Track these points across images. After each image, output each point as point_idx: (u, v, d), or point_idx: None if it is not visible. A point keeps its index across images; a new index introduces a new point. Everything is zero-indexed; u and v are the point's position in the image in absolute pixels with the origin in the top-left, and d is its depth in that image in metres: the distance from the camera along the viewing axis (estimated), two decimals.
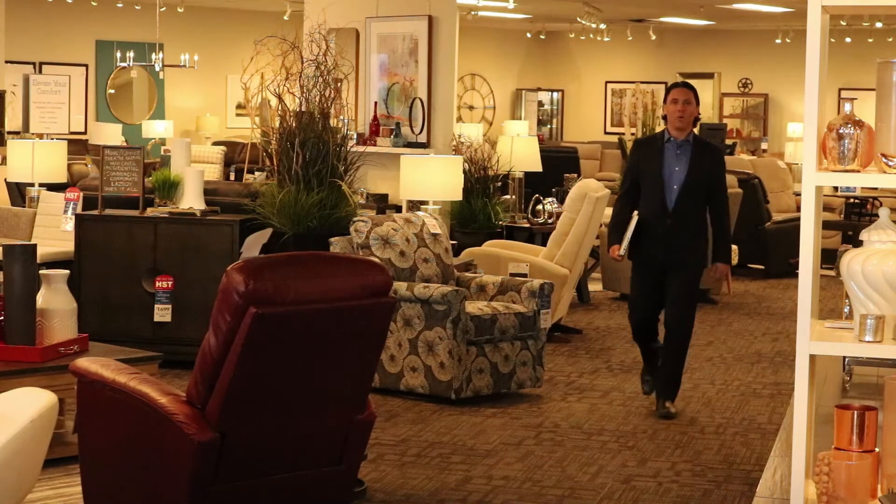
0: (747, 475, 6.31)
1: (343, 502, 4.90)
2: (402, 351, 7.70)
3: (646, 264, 7.40)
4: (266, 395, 4.47)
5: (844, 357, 8.02)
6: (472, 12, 18.82)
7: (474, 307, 7.74)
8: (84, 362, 4.89)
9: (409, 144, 11.55)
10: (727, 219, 7.45)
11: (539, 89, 24.39)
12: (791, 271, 13.41)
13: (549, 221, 11.01)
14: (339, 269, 4.65)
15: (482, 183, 11.09)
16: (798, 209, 14.28)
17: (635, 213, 7.31)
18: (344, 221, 8.21)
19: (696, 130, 7.56)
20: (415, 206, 9.50)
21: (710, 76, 23.00)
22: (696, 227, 7.37)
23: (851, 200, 15.78)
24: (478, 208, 11.04)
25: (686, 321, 7.39)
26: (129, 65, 17.08)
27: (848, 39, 20.24)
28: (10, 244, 6.08)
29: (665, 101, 7.43)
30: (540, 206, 11.27)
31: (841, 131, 3.48)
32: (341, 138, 8.44)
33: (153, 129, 18.06)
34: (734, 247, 12.23)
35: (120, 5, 18.44)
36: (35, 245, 6.26)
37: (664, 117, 7.41)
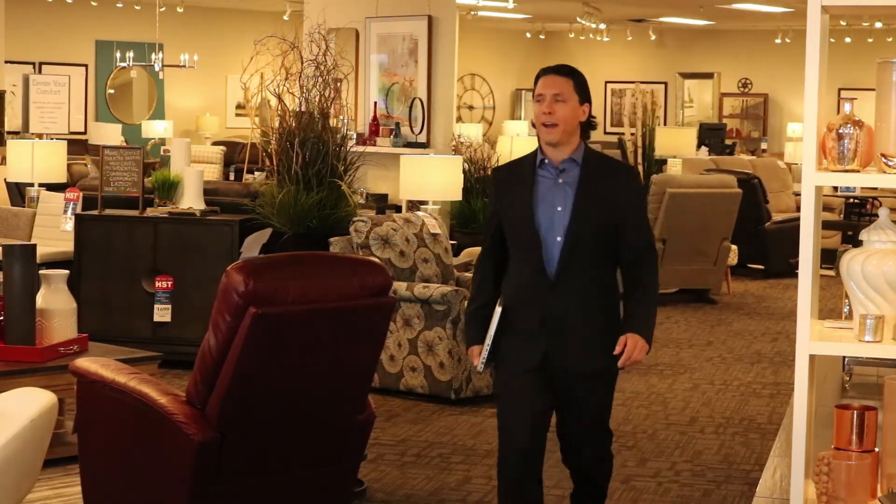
0: (747, 475, 6.31)
1: (343, 502, 4.90)
2: (402, 351, 7.70)
3: (517, 372, 4.50)
4: (266, 395, 4.47)
5: (844, 357, 8.02)
6: (472, 12, 18.82)
7: None
8: (84, 362, 4.89)
9: (409, 144, 11.55)
10: (652, 273, 4.55)
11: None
12: (791, 271, 13.41)
13: None
14: (339, 269, 4.65)
15: (482, 183, 11.09)
16: (798, 209, 14.29)
17: (498, 305, 4.50)
18: (344, 221, 8.21)
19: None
20: (414, 206, 9.50)
21: (709, 76, 23.00)
22: (600, 300, 4.49)
23: (851, 200, 15.79)
24: (478, 208, 11.05)
25: (601, 464, 4.71)
26: (128, 65, 17.09)
27: (848, 39, 20.24)
28: (10, 244, 6.09)
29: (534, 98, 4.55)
30: None
31: (841, 131, 3.48)
32: (341, 138, 8.44)
33: (153, 129, 18.06)
34: (733, 247, 12.24)
35: (120, 5, 18.44)
36: (35, 245, 6.26)
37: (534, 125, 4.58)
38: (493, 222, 4.65)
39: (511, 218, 4.55)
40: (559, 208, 4.47)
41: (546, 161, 4.52)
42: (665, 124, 21.44)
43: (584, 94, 4.51)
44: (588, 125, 4.55)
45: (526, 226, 4.48)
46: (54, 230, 9.49)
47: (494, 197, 4.65)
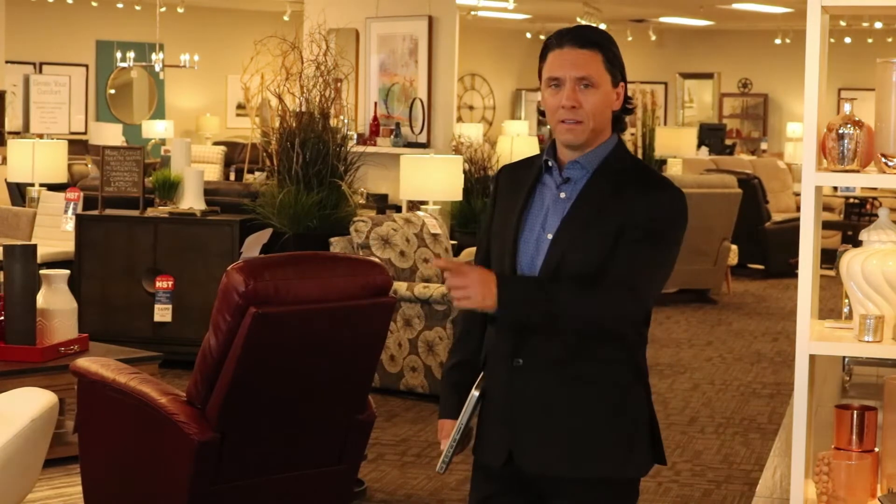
0: (747, 475, 6.31)
1: (343, 502, 4.90)
2: (402, 351, 7.69)
3: (480, 472, 3.28)
4: (266, 395, 4.47)
5: (844, 357, 8.02)
6: (472, 12, 18.83)
7: None
8: (84, 362, 4.89)
9: (409, 144, 11.55)
10: (595, 302, 2.99)
11: (539, 89, 24.39)
12: (791, 271, 13.42)
13: None
14: (339, 269, 4.65)
15: (482, 183, 11.09)
16: (798, 209, 14.30)
17: (475, 388, 3.12)
18: (344, 221, 8.21)
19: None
20: (415, 206, 9.50)
21: (709, 76, 23.01)
22: (595, 377, 3.07)
23: (851, 200, 15.80)
24: (478, 208, 11.05)
25: None
26: (129, 65, 17.10)
27: (848, 39, 20.24)
28: (10, 244, 6.09)
29: (540, 76, 3.26)
30: None
31: (841, 131, 3.48)
32: (341, 138, 8.43)
33: (153, 130, 18.06)
34: (733, 247, 12.24)
35: (120, 5, 18.45)
36: (35, 245, 6.26)
37: (543, 113, 3.28)
38: (485, 243, 3.24)
39: (497, 233, 3.18)
40: (549, 235, 3.05)
41: (551, 165, 3.14)
42: (665, 124, 21.46)
43: (618, 71, 3.11)
44: (624, 112, 3.13)
45: (503, 254, 3.11)
46: (55, 230, 9.48)
47: (491, 208, 3.25)
